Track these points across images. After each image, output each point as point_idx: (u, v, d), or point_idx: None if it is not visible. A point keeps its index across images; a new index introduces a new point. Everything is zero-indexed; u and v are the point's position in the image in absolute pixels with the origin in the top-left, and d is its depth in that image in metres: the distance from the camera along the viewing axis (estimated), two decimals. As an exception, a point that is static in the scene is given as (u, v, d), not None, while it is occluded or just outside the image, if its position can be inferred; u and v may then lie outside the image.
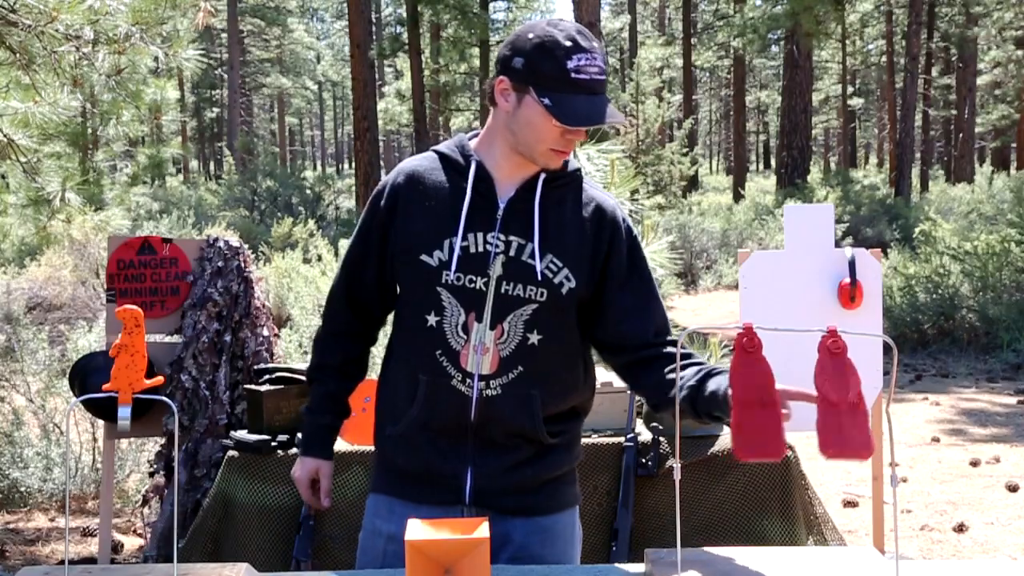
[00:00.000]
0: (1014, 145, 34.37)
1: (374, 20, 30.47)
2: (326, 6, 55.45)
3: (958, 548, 4.36)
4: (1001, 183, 21.78)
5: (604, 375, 2.79)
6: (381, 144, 25.44)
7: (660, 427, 2.89)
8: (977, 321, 9.29)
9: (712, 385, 1.71)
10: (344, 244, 10.41)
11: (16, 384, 5.00)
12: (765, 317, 2.89)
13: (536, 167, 1.87)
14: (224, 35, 33.90)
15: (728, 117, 48.92)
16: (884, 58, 35.34)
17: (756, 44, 23.70)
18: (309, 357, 2.09)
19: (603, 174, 4.02)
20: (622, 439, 2.88)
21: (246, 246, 3.42)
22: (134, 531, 4.38)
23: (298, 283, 8.36)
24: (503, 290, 1.83)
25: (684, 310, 12.37)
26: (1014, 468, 5.56)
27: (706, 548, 1.64)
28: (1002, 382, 8.08)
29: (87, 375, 3.30)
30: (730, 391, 1.55)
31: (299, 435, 2.87)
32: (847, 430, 1.44)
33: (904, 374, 8.31)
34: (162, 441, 3.32)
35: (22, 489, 4.58)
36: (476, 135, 1.94)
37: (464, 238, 1.83)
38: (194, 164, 43.40)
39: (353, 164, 22.03)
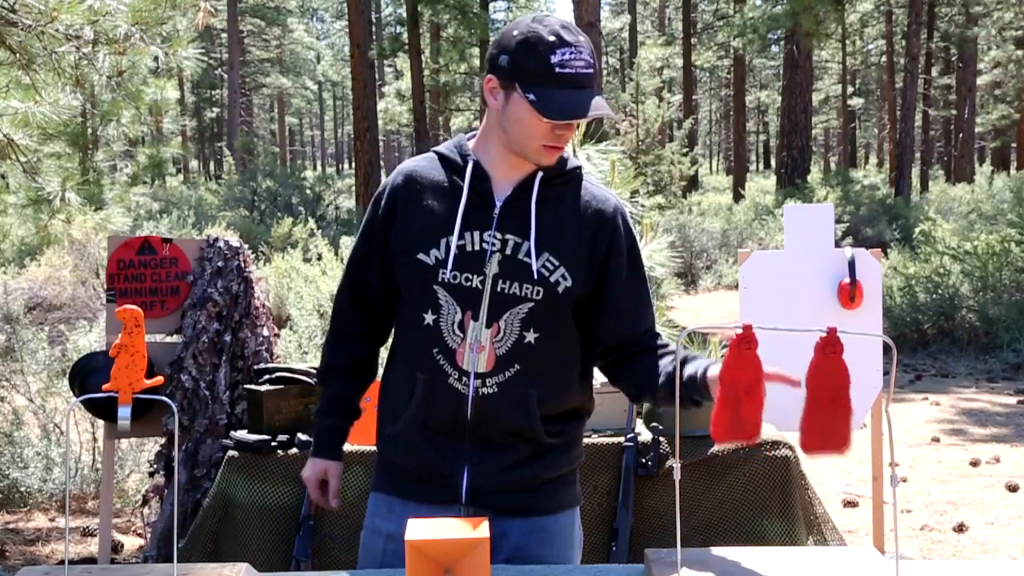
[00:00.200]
0: (1014, 145, 34.36)
1: (374, 20, 30.44)
2: (326, 6, 55.44)
3: (958, 548, 4.36)
4: (1001, 183, 21.75)
5: (603, 375, 2.79)
6: (381, 144, 25.46)
7: (660, 427, 2.89)
8: (977, 321, 9.28)
9: (690, 369, 1.74)
10: (344, 243, 10.45)
11: (16, 384, 5.00)
12: (765, 317, 2.90)
13: (533, 165, 1.87)
14: (224, 35, 33.89)
15: (728, 117, 48.91)
16: (884, 58, 35.33)
17: (756, 44, 23.70)
18: (308, 357, 2.09)
19: (603, 174, 4.02)
20: (622, 439, 2.88)
21: (246, 246, 3.42)
22: (134, 531, 4.38)
23: (298, 283, 8.37)
24: (499, 288, 1.83)
25: (684, 310, 12.35)
26: (1014, 468, 5.56)
27: (706, 548, 1.64)
28: (1002, 382, 8.08)
29: (87, 375, 3.31)
30: (708, 375, 1.67)
31: (299, 435, 2.90)
32: (827, 426, 1.48)
33: (904, 374, 8.31)
34: (162, 441, 3.33)
35: (22, 489, 4.58)
36: (475, 135, 1.95)
37: (460, 236, 1.84)
38: (194, 164, 43.40)
39: (353, 164, 22.04)
